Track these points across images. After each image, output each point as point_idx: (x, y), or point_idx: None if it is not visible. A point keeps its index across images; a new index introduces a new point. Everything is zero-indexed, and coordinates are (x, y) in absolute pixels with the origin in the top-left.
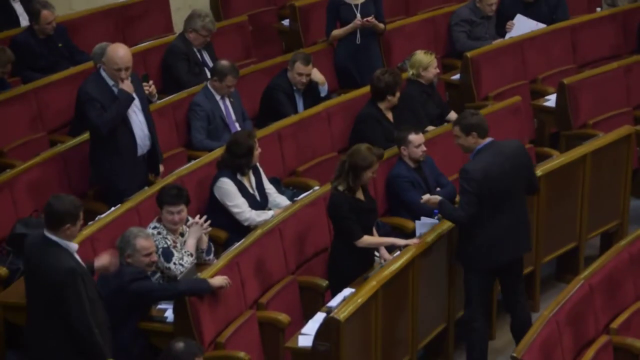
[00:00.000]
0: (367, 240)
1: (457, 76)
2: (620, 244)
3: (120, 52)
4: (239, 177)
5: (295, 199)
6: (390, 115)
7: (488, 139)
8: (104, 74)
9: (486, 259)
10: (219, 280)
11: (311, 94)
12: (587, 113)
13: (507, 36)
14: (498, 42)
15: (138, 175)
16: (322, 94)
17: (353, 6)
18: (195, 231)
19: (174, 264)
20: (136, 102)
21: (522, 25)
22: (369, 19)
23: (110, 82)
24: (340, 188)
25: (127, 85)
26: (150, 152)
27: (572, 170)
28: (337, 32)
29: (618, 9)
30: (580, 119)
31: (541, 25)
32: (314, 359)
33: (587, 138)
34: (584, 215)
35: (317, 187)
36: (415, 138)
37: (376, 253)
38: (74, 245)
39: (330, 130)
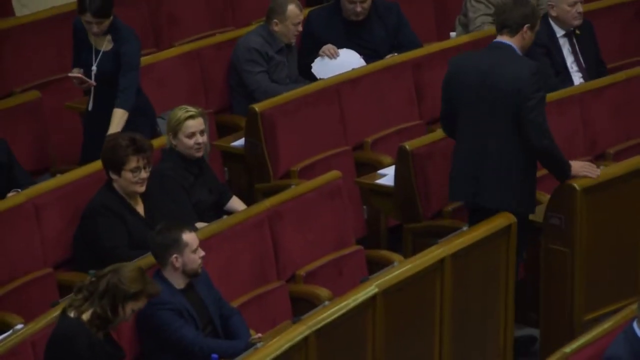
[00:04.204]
0: None
1: (240, 142)
2: None
3: None
4: None
5: None
6: (139, 205)
7: (497, 39)
8: None
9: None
10: None
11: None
12: (443, 195)
13: (319, 72)
14: (305, 87)
15: None
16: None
17: (94, 46)
18: None
19: None
20: None
21: (346, 60)
22: (79, 74)
23: None
24: (84, 318)
25: None
26: None
27: (424, 283)
28: None
29: (483, 34)
30: (431, 205)
31: (366, 61)
32: None
33: (444, 234)
34: (444, 351)
35: (19, 326)
36: (191, 239)
37: None
38: None
39: (41, 233)
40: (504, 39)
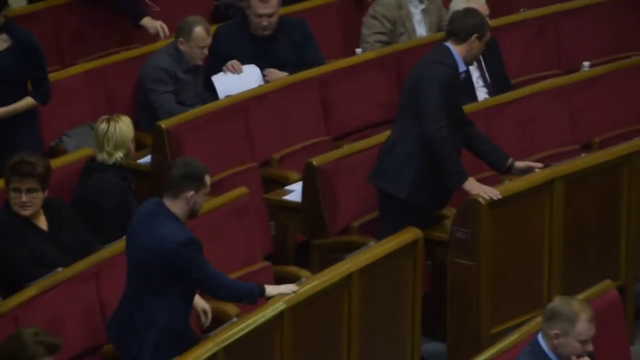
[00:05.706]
0: None
1: (146, 159)
2: None
3: None
4: None
5: None
6: (41, 220)
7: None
8: None
9: None
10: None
11: None
12: (351, 211)
13: (219, 87)
14: (211, 104)
15: None
16: None
17: None
18: None
19: None
20: None
21: (246, 77)
22: None
23: None
24: None
25: None
26: None
27: (332, 298)
28: None
29: (386, 51)
30: (339, 221)
31: (280, 75)
32: None
33: (352, 249)
34: None
35: None
36: (209, 183)
37: None
38: None
39: None
40: (448, 44)
